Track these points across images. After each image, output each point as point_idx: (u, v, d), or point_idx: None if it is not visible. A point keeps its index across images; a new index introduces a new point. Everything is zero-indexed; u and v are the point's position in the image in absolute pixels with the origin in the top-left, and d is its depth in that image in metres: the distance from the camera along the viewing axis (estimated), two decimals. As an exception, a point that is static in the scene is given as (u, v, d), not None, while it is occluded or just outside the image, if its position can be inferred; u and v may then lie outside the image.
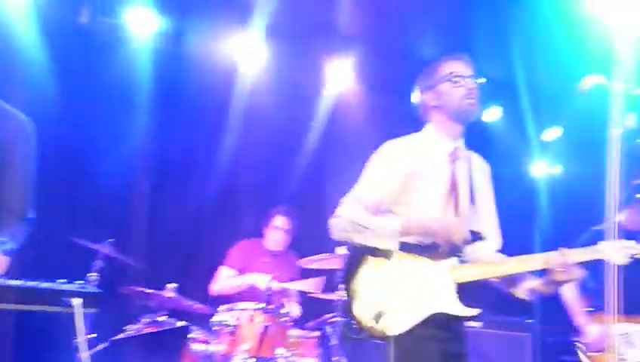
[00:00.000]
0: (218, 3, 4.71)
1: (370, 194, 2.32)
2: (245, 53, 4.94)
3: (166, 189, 5.04)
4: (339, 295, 2.37)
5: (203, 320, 3.86)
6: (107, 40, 4.70)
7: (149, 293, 3.85)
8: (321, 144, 5.48)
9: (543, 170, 6.85)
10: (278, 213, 4.41)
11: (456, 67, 2.38)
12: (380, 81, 5.60)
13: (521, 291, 2.34)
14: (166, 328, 3.79)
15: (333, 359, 3.93)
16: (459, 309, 2.21)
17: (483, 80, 2.39)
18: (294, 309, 4.06)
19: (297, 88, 5.36)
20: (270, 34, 4.90)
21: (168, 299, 3.83)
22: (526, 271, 2.28)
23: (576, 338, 3.61)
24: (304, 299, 4.43)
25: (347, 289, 2.27)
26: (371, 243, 2.24)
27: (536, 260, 2.24)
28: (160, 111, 4.81)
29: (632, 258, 2.12)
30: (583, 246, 2.27)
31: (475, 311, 2.21)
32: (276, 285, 3.86)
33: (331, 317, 4.06)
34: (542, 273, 2.26)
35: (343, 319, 2.33)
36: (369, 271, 2.26)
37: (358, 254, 2.28)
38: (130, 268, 4.18)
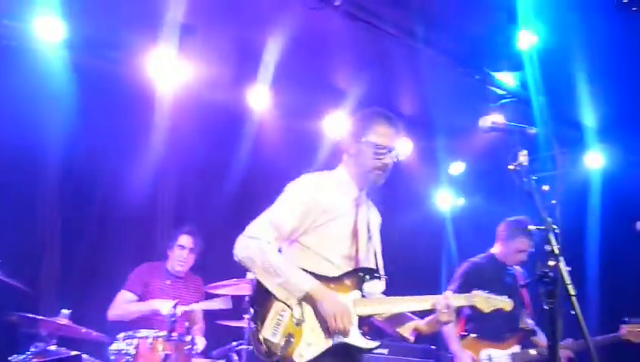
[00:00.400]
0: (132, 16, 4.55)
1: (286, 221, 2.38)
2: (163, 71, 4.79)
3: (63, 208, 4.73)
4: (247, 321, 2.37)
5: (99, 349, 3.63)
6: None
7: (39, 320, 3.56)
8: (238, 167, 5.42)
9: (448, 201, 7.20)
10: (182, 233, 4.29)
11: (385, 138, 2.49)
12: (296, 107, 5.67)
13: (406, 331, 2.52)
14: (56, 358, 3.50)
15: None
16: (360, 341, 2.33)
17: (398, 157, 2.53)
18: (199, 339, 3.90)
19: (217, 110, 5.29)
20: (190, 53, 4.81)
21: (61, 326, 3.56)
22: (414, 309, 2.48)
23: None
24: (210, 326, 4.29)
25: (256, 315, 2.29)
26: (273, 290, 2.28)
27: (424, 301, 2.44)
28: (63, 124, 4.53)
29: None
30: None
31: (374, 344, 2.36)
32: (180, 309, 3.70)
33: (237, 345, 3.96)
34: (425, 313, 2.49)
35: (251, 346, 2.33)
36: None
37: None
38: (18, 292, 3.84)
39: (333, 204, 2.46)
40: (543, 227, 1.99)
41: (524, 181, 2.08)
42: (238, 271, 3.78)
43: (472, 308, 2.50)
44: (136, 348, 3.40)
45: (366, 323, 2.40)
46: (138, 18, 4.36)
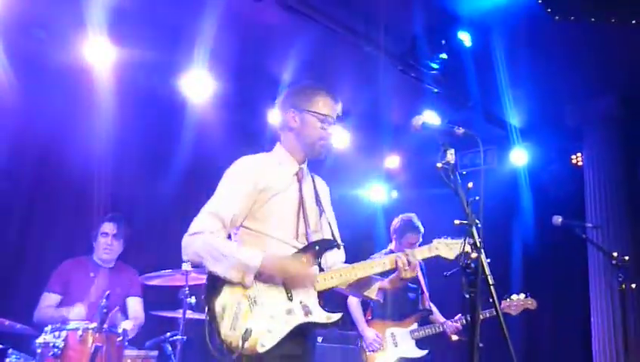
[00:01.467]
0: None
1: (227, 209, 2.32)
2: (95, 54, 4.64)
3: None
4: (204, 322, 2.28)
5: (26, 343, 3.49)
6: None
7: (-42, 313, 3.38)
8: (177, 157, 5.33)
9: (382, 194, 7.40)
10: (104, 220, 4.17)
11: (328, 108, 2.48)
12: (236, 97, 5.65)
13: (372, 292, 2.54)
14: (-23, 353, 3.34)
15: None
16: (322, 317, 2.30)
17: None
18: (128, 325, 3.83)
19: (155, 96, 5.17)
20: (123, 37, 4.68)
21: (-17, 320, 3.39)
22: (378, 272, 2.46)
23: (359, 343, 4.41)
24: (145, 315, 4.23)
25: (212, 313, 2.20)
26: (225, 274, 2.20)
27: (385, 261, 2.45)
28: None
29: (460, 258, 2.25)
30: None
31: (337, 316, 2.32)
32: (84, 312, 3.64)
33: (171, 336, 3.93)
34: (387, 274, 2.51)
35: (210, 342, 2.20)
36: (232, 289, 2.22)
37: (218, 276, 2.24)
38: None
39: (272, 181, 2.41)
40: (466, 222, 2.11)
41: (450, 178, 2.19)
42: (174, 261, 3.76)
43: (438, 257, 2.54)
44: (65, 340, 3.27)
45: (323, 298, 2.36)
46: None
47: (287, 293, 2.30)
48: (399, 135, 6.31)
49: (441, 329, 4.42)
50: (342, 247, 2.61)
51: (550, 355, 6.13)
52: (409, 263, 2.43)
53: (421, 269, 4.58)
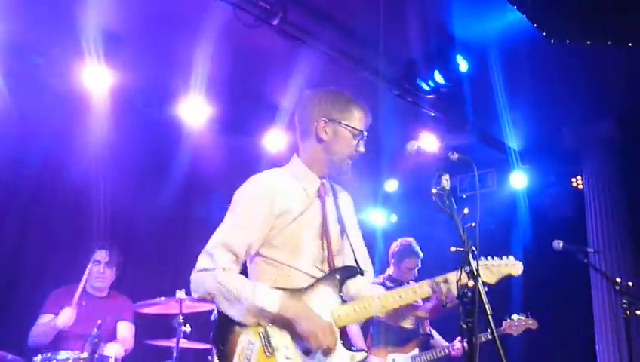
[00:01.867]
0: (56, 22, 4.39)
1: (240, 239, 2.09)
2: (90, 78, 4.66)
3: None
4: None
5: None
6: None
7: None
8: (172, 182, 5.30)
9: (381, 217, 7.34)
10: (97, 248, 4.11)
11: (361, 123, 2.27)
12: (232, 122, 5.65)
13: (408, 321, 2.33)
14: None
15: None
16: (345, 357, 2.08)
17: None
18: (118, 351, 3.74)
19: (150, 120, 5.17)
20: (120, 62, 4.71)
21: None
22: (406, 302, 2.20)
23: None
24: (137, 345, 4.14)
25: (221, 354, 2.01)
26: (240, 318, 2.01)
27: (420, 289, 2.18)
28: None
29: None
30: None
31: (362, 356, 2.12)
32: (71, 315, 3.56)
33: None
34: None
35: None
36: (244, 327, 2.02)
37: None
38: None
39: (291, 203, 2.15)
40: (462, 249, 2.06)
41: (445, 204, 2.14)
42: (167, 289, 3.70)
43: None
44: (55, 371, 3.23)
45: (344, 333, 2.16)
46: (62, 25, 4.22)
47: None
48: (397, 159, 6.28)
49: (443, 354, 4.36)
50: (369, 266, 2.39)
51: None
52: (449, 291, 2.13)
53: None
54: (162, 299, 3.72)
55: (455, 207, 2.13)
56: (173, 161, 5.28)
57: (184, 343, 3.75)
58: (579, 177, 6.26)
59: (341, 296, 2.18)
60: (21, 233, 4.72)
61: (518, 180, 6.54)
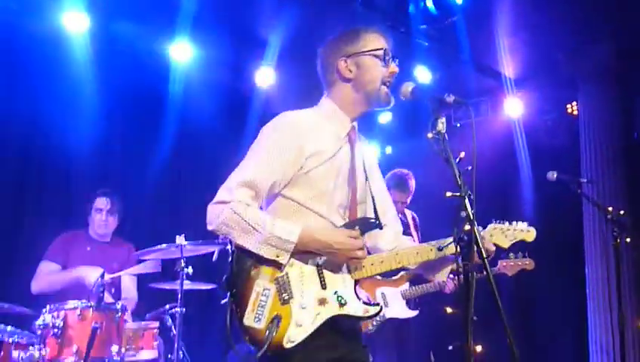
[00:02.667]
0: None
1: (264, 175, 2.00)
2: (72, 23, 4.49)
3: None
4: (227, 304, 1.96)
5: (25, 324, 3.51)
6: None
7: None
8: (165, 128, 5.24)
9: (376, 150, 7.34)
10: (97, 196, 4.14)
11: (387, 44, 2.15)
12: (222, 60, 5.51)
13: (442, 274, 2.26)
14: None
15: (173, 350, 3.85)
16: (359, 309, 2.02)
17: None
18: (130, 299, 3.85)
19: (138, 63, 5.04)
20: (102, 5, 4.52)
21: (-20, 303, 3.40)
22: (425, 259, 2.15)
23: None
24: (142, 289, 4.26)
25: (234, 298, 1.95)
26: (257, 250, 1.94)
27: (434, 247, 2.13)
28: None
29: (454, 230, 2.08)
30: None
31: (375, 309, 2.05)
32: (107, 277, 3.62)
33: (171, 308, 3.97)
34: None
35: (230, 330, 1.95)
36: (260, 270, 1.97)
37: (246, 253, 1.97)
38: None
39: (321, 145, 2.06)
40: (458, 194, 2.06)
41: (441, 148, 2.12)
42: (169, 235, 3.75)
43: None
44: (64, 319, 3.30)
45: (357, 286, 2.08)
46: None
47: (321, 281, 2.01)
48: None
49: (434, 290, 4.18)
50: (394, 218, 2.32)
51: (545, 312, 6.22)
52: (486, 249, 2.03)
53: (414, 223, 4.50)
54: (163, 245, 3.77)
55: (450, 151, 2.12)
56: (164, 102, 5.20)
57: (188, 284, 3.84)
58: (574, 103, 6.21)
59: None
60: (17, 183, 4.71)
61: (513, 108, 6.48)
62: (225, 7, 4.86)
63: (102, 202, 4.11)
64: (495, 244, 2.29)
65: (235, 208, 1.95)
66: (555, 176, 3.78)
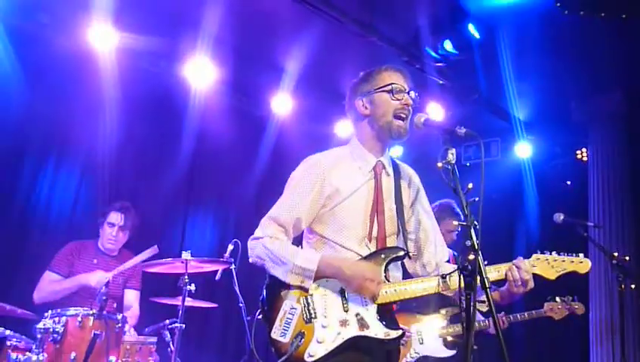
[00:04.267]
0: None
1: (288, 214, 2.26)
2: (98, 39, 4.63)
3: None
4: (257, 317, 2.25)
5: (27, 327, 3.52)
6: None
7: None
8: (180, 143, 5.33)
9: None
10: (112, 210, 4.17)
11: (397, 79, 2.31)
12: (239, 84, 5.63)
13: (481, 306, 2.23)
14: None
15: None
16: (380, 331, 2.14)
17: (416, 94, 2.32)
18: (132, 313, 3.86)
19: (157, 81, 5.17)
20: (127, 22, 4.66)
21: (-18, 304, 3.42)
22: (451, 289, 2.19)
23: None
24: (143, 303, 4.26)
25: (265, 316, 2.21)
26: (285, 278, 2.18)
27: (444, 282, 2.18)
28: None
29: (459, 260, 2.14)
30: None
31: (396, 333, 2.16)
32: (111, 276, 3.67)
33: (171, 323, 3.96)
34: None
35: (254, 341, 2.28)
36: (290, 292, 2.20)
37: (277, 280, 2.23)
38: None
39: (343, 183, 2.26)
40: (464, 223, 2.09)
41: (450, 178, 2.16)
42: (174, 250, 3.78)
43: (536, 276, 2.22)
44: (65, 326, 3.31)
45: (388, 311, 2.21)
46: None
47: (344, 303, 2.18)
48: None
49: (477, 329, 3.87)
50: (434, 245, 2.39)
51: (548, 355, 6.13)
52: (520, 279, 2.12)
53: (454, 257, 4.38)
54: (169, 259, 3.80)
55: (459, 182, 2.16)
56: (181, 123, 5.29)
57: (189, 301, 3.85)
58: (584, 149, 6.25)
59: (385, 275, 2.21)
60: (30, 190, 4.77)
61: (523, 150, 6.53)
62: (246, 33, 4.98)
63: (116, 217, 4.13)
64: (539, 275, 2.27)
65: (266, 244, 2.25)
66: (562, 218, 3.79)
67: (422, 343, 3.90)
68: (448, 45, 4.85)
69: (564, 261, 2.30)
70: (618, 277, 3.50)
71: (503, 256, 2.41)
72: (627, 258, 3.51)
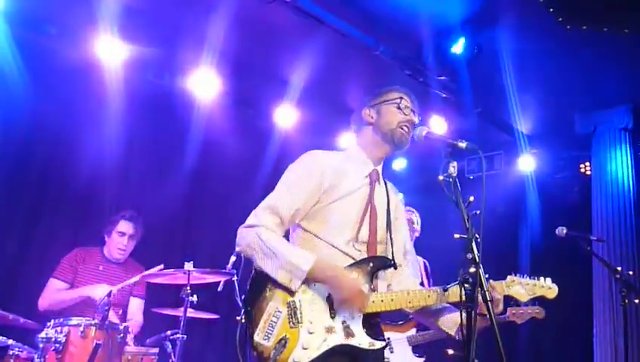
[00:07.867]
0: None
1: (287, 204, 2.20)
2: (104, 51, 4.69)
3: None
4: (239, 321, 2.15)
5: (28, 337, 3.53)
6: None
7: (-38, 306, 3.42)
8: (184, 155, 5.35)
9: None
10: (122, 218, 4.19)
11: (406, 97, 2.40)
12: (243, 97, 5.67)
13: (451, 327, 2.29)
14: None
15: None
16: (364, 341, 2.12)
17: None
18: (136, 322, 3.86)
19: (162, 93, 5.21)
20: (133, 35, 4.72)
21: (-14, 313, 3.43)
22: (435, 303, 2.21)
23: None
24: (144, 314, 4.26)
25: (248, 316, 2.11)
26: (274, 273, 2.10)
27: (451, 291, 2.17)
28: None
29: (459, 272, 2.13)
30: None
31: (380, 344, 2.15)
32: (115, 289, 3.65)
33: (172, 334, 3.96)
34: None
35: (239, 345, 2.11)
36: (275, 293, 2.12)
37: (264, 276, 2.14)
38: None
39: (338, 182, 2.25)
40: (465, 236, 2.10)
41: (451, 191, 2.17)
42: (178, 260, 3.79)
43: (509, 297, 2.26)
44: (67, 335, 3.31)
45: (373, 321, 2.20)
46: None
47: (331, 310, 2.14)
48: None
49: (442, 336, 4.14)
50: (410, 264, 2.43)
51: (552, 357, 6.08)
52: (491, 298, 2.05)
53: (425, 270, 4.47)
54: (171, 270, 3.81)
55: (461, 195, 2.17)
56: (185, 135, 5.33)
57: (190, 312, 3.85)
58: (587, 163, 6.25)
59: (370, 285, 2.22)
60: (35, 201, 4.80)
61: (527, 163, 6.53)
62: (250, 46, 5.03)
63: (126, 226, 4.14)
64: (511, 297, 2.31)
65: (260, 233, 2.15)
66: (565, 231, 3.79)
67: (392, 352, 4.01)
68: (452, 56, 4.87)
69: (535, 285, 2.32)
70: (622, 291, 3.48)
71: (507, 269, 2.42)
72: (631, 273, 3.49)
